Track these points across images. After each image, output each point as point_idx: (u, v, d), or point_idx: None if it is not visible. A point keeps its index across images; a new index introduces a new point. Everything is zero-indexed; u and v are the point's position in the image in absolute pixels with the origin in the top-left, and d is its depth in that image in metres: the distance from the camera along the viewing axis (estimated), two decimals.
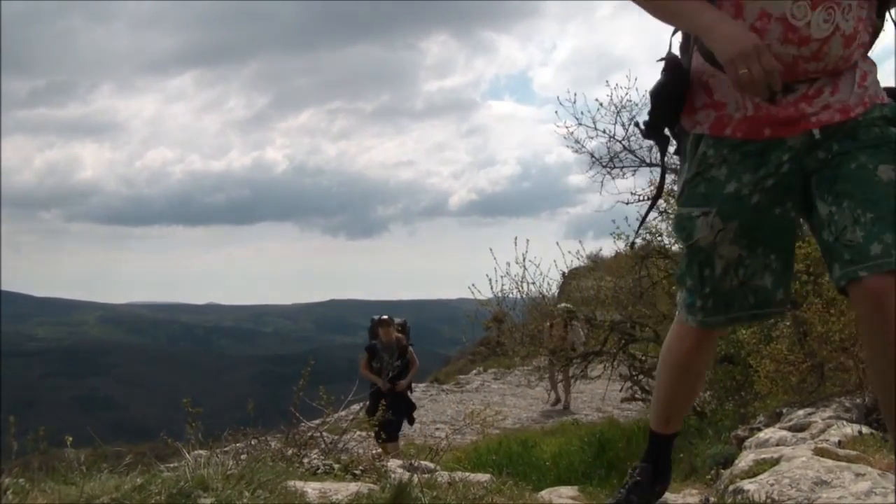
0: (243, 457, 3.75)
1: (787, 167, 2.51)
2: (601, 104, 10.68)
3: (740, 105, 2.53)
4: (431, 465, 4.93)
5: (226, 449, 4.10)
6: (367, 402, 8.96)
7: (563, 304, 13.51)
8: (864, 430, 4.47)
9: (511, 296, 12.33)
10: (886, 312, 2.25)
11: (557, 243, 12.32)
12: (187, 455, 3.42)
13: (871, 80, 2.53)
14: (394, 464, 4.40)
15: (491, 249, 11.93)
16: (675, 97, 2.59)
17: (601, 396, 14.41)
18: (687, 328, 2.82)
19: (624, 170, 10.87)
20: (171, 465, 3.55)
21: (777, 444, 4.55)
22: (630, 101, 10.51)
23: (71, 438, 3.35)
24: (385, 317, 10.67)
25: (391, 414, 7.71)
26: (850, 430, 4.40)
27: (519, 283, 12.05)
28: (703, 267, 2.67)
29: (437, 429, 14.00)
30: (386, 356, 10.38)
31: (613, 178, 10.90)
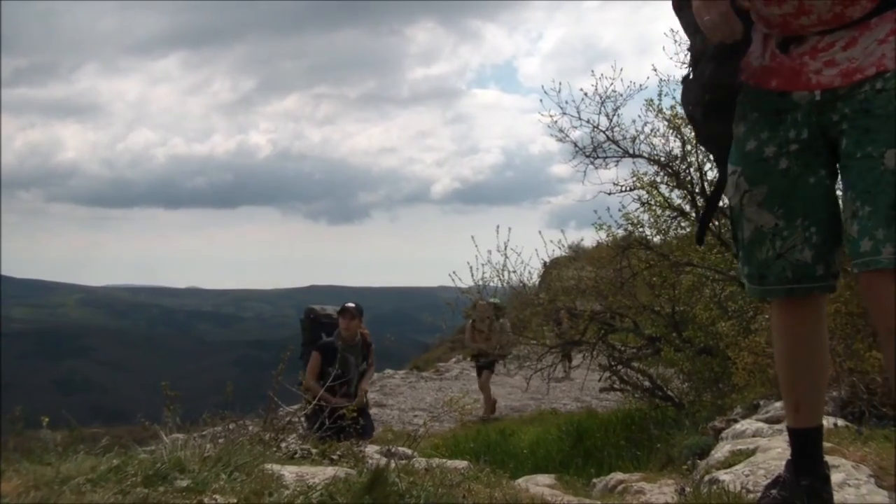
0: (221, 440, 3.75)
1: (807, 132, 2.44)
2: (586, 94, 10.65)
3: (760, 54, 2.53)
4: (409, 452, 4.95)
5: (203, 432, 4.10)
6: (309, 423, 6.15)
7: (492, 299, 13.30)
8: (840, 422, 4.51)
9: (492, 284, 12.34)
10: (875, 306, 2.28)
11: (540, 232, 12.30)
12: (165, 438, 3.41)
13: None
14: (371, 449, 4.41)
15: (472, 237, 11.92)
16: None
17: (580, 386, 14.44)
18: (772, 303, 2.66)
19: (607, 160, 10.82)
20: (149, 447, 3.53)
21: (753, 436, 4.59)
22: (615, 91, 10.46)
23: (47, 419, 3.34)
24: (350, 305, 8.05)
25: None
26: (825, 422, 4.42)
27: (500, 271, 12.05)
28: (737, 230, 2.61)
29: (416, 416, 14.00)
30: (351, 358, 7.86)
31: (596, 168, 10.87)
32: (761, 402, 6.16)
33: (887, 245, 2.19)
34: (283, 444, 4.19)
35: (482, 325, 13.48)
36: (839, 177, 2.46)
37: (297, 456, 3.87)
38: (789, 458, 2.72)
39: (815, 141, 2.44)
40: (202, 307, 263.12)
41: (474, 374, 17.85)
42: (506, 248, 11.79)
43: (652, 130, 10.56)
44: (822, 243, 2.48)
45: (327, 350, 7.83)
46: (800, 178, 2.46)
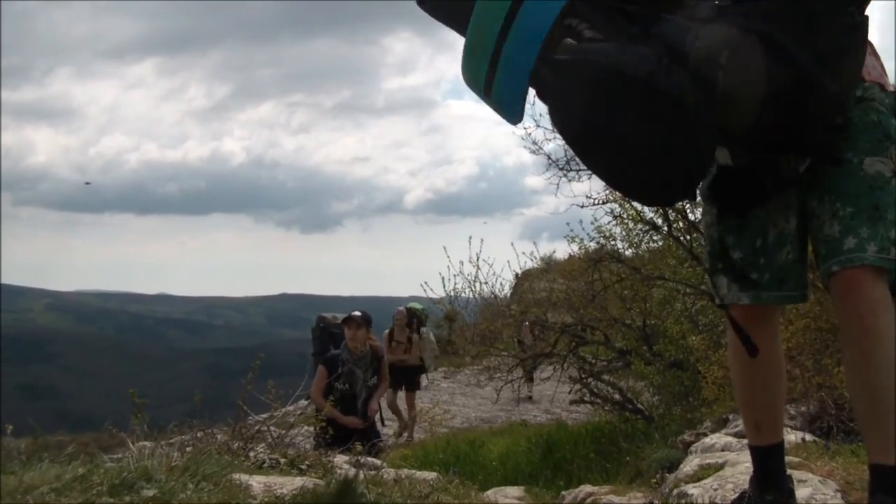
0: (189, 449, 3.72)
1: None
2: None
3: None
4: (378, 462, 4.93)
5: (171, 441, 4.06)
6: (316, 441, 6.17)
7: (410, 304, 12.40)
8: (808, 437, 4.54)
9: (463, 295, 12.36)
10: (852, 303, 2.24)
11: (512, 244, 12.37)
12: (132, 446, 3.38)
13: (870, 61, 2.33)
14: (340, 459, 4.38)
15: (445, 248, 11.93)
16: None
17: (550, 398, 14.48)
18: (736, 312, 2.54)
19: (580, 173, 10.87)
20: (116, 455, 3.49)
21: (722, 450, 4.60)
22: None
23: (11, 427, 3.29)
24: (356, 313, 7.49)
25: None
26: (793, 437, 4.46)
27: (472, 282, 12.09)
28: (756, 236, 2.49)
29: (386, 426, 13.97)
30: (358, 371, 7.34)
31: (570, 180, 10.91)
32: (730, 417, 6.19)
33: (871, 243, 2.21)
34: (252, 454, 4.17)
35: (400, 336, 12.11)
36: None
37: (265, 466, 3.85)
38: (752, 474, 2.73)
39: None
40: (172, 314, 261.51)
41: (444, 384, 17.78)
42: (478, 260, 11.83)
43: None
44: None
45: (333, 363, 7.33)
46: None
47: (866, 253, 2.21)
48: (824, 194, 2.33)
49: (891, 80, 2.47)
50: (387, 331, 12.03)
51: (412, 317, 12.14)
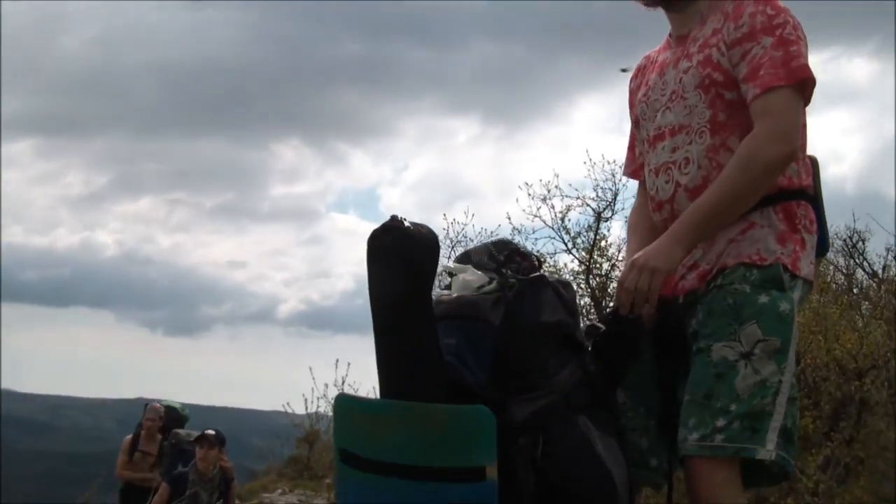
0: None
1: (669, 331, 2.43)
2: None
3: None
4: None
5: None
6: None
7: (168, 402, 8.60)
8: None
9: (328, 416, 12.09)
10: (694, 493, 2.27)
11: None
12: None
13: (752, 236, 2.33)
14: None
15: (311, 368, 11.66)
16: None
17: None
18: None
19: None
20: None
21: None
22: (465, 236, 10.52)
23: None
24: (210, 432, 6.97)
25: None
26: None
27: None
28: None
29: None
30: (203, 495, 6.79)
31: None
32: None
33: (693, 433, 2.23)
34: None
35: (148, 445, 8.08)
36: None
37: None
38: None
39: (673, 341, 2.44)
40: (15, 412, 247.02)
41: None
42: (343, 384, 11.57)
43: None
44: (657, 439, 2.46)
45: (178, 483, 6.78)
46: (652, 371, 2.46)
47: (687, 442, 2.24)
48: (682, 382, 2.37)
49: None
50: (128, 437, 8.18)
51: (171, 419, 8.17)
